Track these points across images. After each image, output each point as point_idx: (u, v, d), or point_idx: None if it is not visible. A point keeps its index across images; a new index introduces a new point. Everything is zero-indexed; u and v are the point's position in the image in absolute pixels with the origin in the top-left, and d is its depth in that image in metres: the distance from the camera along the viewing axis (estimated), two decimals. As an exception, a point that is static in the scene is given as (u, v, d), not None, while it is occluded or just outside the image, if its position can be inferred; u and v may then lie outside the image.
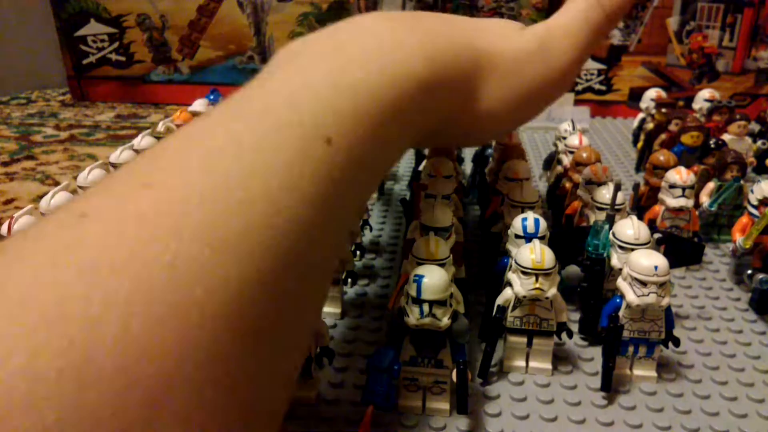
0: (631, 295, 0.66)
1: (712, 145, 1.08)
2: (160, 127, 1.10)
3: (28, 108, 1.85)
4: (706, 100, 1.32)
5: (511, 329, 0.70)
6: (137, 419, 0.28)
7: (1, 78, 1.92)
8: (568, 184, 1.01)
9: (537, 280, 0.65)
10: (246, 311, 0.33)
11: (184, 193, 0.34)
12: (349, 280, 0.82)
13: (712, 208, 0.99)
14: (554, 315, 0.69)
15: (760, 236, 0.85)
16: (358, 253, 0.89)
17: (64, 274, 0.29)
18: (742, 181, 1.00)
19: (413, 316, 0.59)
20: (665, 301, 0.66)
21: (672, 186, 0.92)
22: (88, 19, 1.80)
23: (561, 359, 0.73)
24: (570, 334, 0.71)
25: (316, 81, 0.44)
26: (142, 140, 1.03)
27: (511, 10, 1.69)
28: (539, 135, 1.61)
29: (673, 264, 0.68)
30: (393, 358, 0.60)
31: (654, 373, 0.71)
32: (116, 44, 1.83)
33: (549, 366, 0.71)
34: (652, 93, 1.39)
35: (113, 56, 1.84)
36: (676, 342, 0.70)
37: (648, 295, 0.65)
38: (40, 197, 0.83)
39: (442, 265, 0.63)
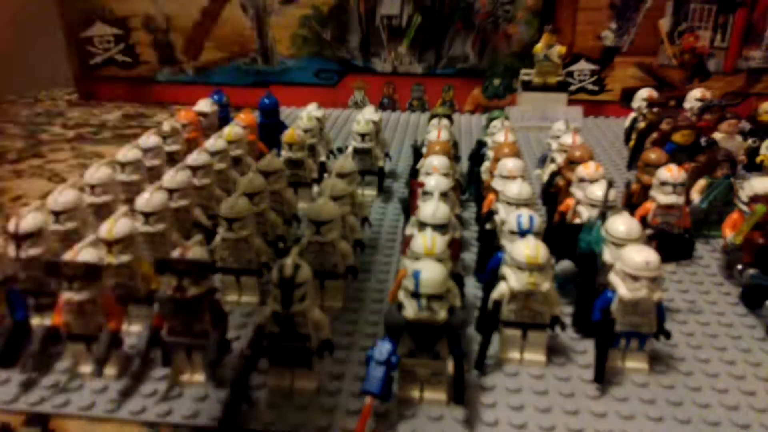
0: (623, 290, 0.68)
1: (703, 144, 1.09)
2: (166, 127, 1.12)
3: (36, 107, 1.86)
4: (698, 100, 1.34)
5: (506, 322, 0.71)
6: None
7: (9, 78, 1.93)
8: (561, 182, 1.02)
9: (531, 274, 0.67)
10: None
11: None
12: (350, 275, 0.84)
13: (703, 206, 1.00)
14: (548, 308, 0.70)
15: (751, 232, 0.86)
16: (357, 249, 0.91)
17: None
18: (732, 179, 1.01)
19: (411, 310, 0.61)
20: (656, 296, 0.67)
21: (663, 183, 0.93)
22: (94, 21, 1.82)
23: (555, 351, 0.75)
24: (563, 327, 0.73)
25: None
26: (148, 139, 1.05)
27: (507, 12, 1.71)
28: (533, 134, 1.62)
29: (665, 259, 0.69)
30: (392, 350, 0.62)
31: (646, 366, 0.72)
32: (122, 45, 1.85)
33: (543, 358, 0.73)
34: (644, 93, 1.41)
35: (119, 57, 1.86)
36: (668, 335, 0.71)
37: (640, 289, 0.67)
38: (47, 194, 0.84)
39: (439, 261, 0.65)
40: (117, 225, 0.73)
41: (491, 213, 0.86)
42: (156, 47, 1.84)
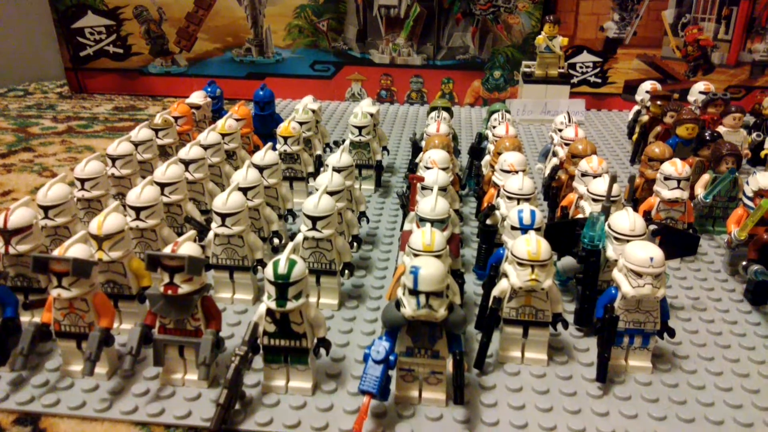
0: (627, 287, 0.66)
1: (707, 137, 1.08)
2: (158, 119, 1.10)
3: (26, 100, 1.85)
4: (701, 93, 1.33)
5: (507, 320, 0.70)
6: None
7: (-3, 70, 1.92)
8: (563, 176, 1.02)
9: (533, 271, 0.66)
10: None
11: None
12: (346, 271, 0.82)
13: (707, 200, 0.99)
14: (550, 306, 0.69)
15: (756, 228, 0.86)
16: (355, 244, 0.90)
17: None
18: (737, 173, 1.00)
19: (410, 308, 0.59)
20: (660, 293, 0.66)
21: (667, 178, 0.92)
22: (85, 11, 1.80)
23: (556, 350, 0.74)
24: (565, 325, 0.72)
25: None
26: (139, 132, 1.04)
27: (507, 3, 1.69)
28: (535, 127, 1.61)
29: (669, 255, 0.68)
30: (390, 348, 0.61)
31: (649, 364, 0.71)
32: (113, 36, 1.83)
33: (544, 356, 0.72)
34: (648, 85, 1.40)
35: (111, 48, 1.84)
36: (671, 333, 0.71)
37: (643, 286, 0.66)
38: (38, 189, 0.83)
39: (438, 257, 0.63)
40: (107, 220, 0.72)
41: (491, 208, 0.85)
42: (148, 38, 1.82)
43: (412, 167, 1.11)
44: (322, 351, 0.67)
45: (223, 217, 0.78)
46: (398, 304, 0.61)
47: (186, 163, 0.93)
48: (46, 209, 0.79)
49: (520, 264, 0.66)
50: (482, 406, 0.65)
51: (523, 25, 1.71)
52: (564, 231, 0.80)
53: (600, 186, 0.83)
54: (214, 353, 0.65)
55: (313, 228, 0.77)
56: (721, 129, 1.19)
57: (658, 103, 1.30)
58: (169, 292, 0.63)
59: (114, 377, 0.69)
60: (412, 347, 0.63)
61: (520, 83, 1.70)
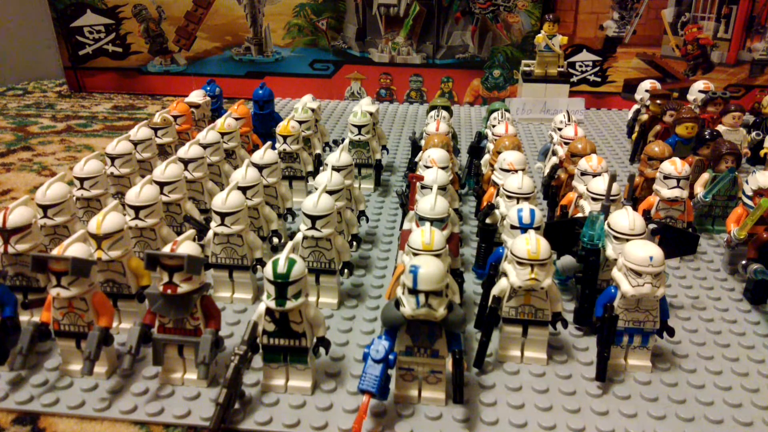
0: (626, 286, 0.66)
1: (707, 136, 1.08)
2: (157, 118, 1.10)
3: (25, 99, 1.85)
4: (701, 92, 1.32)
5: (506, 319, 0.70)
6: None
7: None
8: (563, 175, 1.02)
9: (532, 270, 0.66)
10: None
11: None
12: (346, 270, 0.82)
13: (707, 199, 0.99)
14: (549, 305, 0.69)
15: (755, 227, 0.86)
16: (354, 243, 0.90)
17: None
18: (736, 172, 1.00)
19: (409, 307, 0.59)
20: (660, 292, 0.66)
21: (667, 177, 0.92)
22: (84, 10, 1.80)
23: (556, 349, 0.74)
24: (565, 324, 0.72)
25: None
26: (138, 131, 1.03)
27: (507, 1, 1.69)
28: (534, 126, 1.61)
29: (668, 254, 0.68)
30: (389, 348, 0.61)
31: (648, 363, 0.71)
32: (113, 35, 1.82)
33: (544, 356, 0.72)
34: (647, 84, 1.40)
35: (110, 47, 1.84)
36: (671, 332, 0.70)
37: (643, 285, 0.65)
38: (37, 188, 0.82)
39: (437, 256, 0.63)
40: (106, 219, 0.72)
41: (491, 207, 0.85)
42: (147, 37, 1.82)
43: (412, 166, 1.10)
44: (322, 350, 0.67)
45: (223, 216, 0.78)
46: (398, 304, 0.61)
47: (185, 162, 0.93)
48: (45, 208, 0.79)
49: (519, 263, 0.66)
50: (482, 405, 0.65)
51: (522, 23, 1.71)
52: (563, 230, 0.80)
53: (599, 185, 0.83)
54: (213, 352, 0.65)
55: (313, 227, 0.77)
56: (720, 128, 1.19)
57: (658, 101, 1.30)
58: (169, 291, 0.63)
59: (113, 376, 0.69)
60: (412, 346, 0.63)
61: (519, 82, 1.70)
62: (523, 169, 0.88)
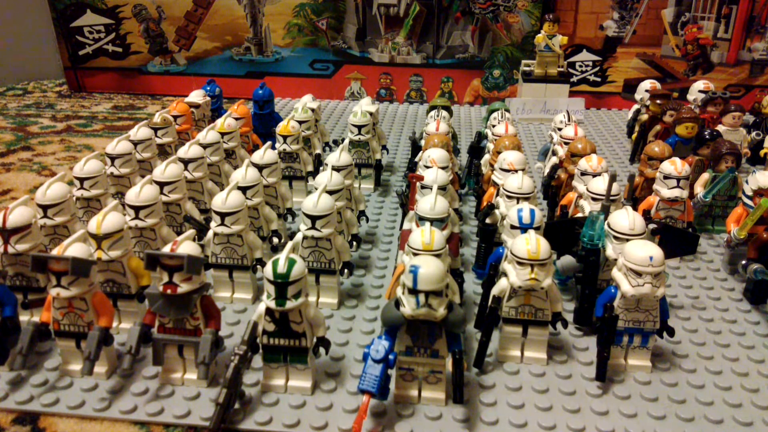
0: (626, 286, 0.66)
1: (707, 136, 1.08)
2: (157, 118, 1.10)
3: (25, 99, 1.84)
4: (701, 92, 1.32)
5: (506, 319, 0.70)
6: None
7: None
8: (563, 175, 1.02)
9: (532, 270, 0.66)
10: None
11: None
12: (346, 270, 0.82)
13: (707, 199, 0.99)
14: (549, 305, 0.69)
15: (755, 227, 0.86)
16: (354, 243, 0.90)
17: None
18: (736, 172, 1.00)
19: (409, 307, 0.59)
20: (660, 292, 0.66)
21: (667, 177, 0.92)
22: (84, 10, 1.80)
23: (556, 349, 0.74)
24: (565, 324, 0.72)
25: None
26: (138, 131, 1.03)
27: (507, 1, 1.69)
28: (534, 126, 1.61)
29: (668, 254, 0.68)
30: (389, 348, 0.61)
31: (648, 363, 0.71)
32: (113, 35, 1.82)
33: (544, 356, 0.72)
34: (647, 84, 1.40)
35: (110, 47, 1.84)
36: (671, 332, 0.70)
37: (643, 285, 0.65)
38: (37, 188, 0.82)
39: (437, 256, 0.63)
40: (106, 219, 0.72)
41: (491, 207, 0.85)
42: (147, 37, 1.82)
43: (412, 166, 1.10)
44: (322, 350, 0.66)
45: (223, 216, 0.78)
46: (398, 303, 0.61)
47: (185, 162, 0.93)
48: (45, 208, 0.79)
49: (519, 263, 0.66)
50: (482, 405, 0.65)
51: (522, 23, 1.71)
52: (563, 230, 0.80)
53: (599, 185, 0.83)
54: (213, 352, 0.65)
55: (313, 227, 0.77)
56: (720, 128, 1.19)
57: (658, 101, 1.30)
58: (169, 291, 0.63)
59: (113, 376, 0.69)
60: (412, 346, 0.63)
61: (519, 82, 1.70)
62: (523, 169, 0.88)
